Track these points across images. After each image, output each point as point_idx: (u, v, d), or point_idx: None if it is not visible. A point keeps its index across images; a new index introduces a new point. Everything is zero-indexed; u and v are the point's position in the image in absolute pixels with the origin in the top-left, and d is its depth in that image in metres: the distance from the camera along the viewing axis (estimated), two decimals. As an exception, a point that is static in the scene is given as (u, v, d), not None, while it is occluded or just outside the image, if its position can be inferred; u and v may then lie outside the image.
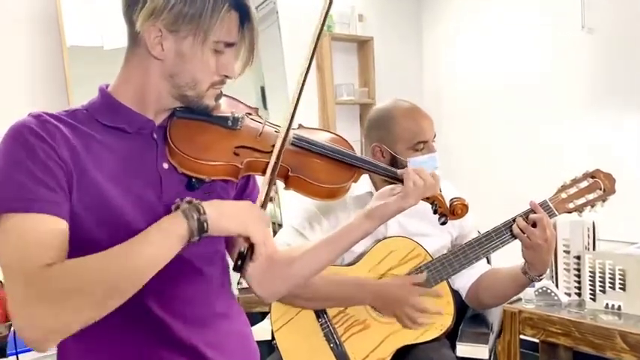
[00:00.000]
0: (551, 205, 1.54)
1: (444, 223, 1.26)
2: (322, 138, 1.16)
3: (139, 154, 1.00)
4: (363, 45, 3.51)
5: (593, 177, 1.56)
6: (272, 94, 2.95)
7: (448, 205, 1.25)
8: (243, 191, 1.15)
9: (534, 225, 1.49)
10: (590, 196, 1.55)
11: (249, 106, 1.16)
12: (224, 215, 0.90)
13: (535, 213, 1.50)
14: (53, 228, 0.86)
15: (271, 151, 1.01)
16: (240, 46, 1.02)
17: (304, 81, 1.01)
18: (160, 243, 0.85)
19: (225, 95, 1.10)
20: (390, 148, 1.63)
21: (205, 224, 0.87)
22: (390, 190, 1.23)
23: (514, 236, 1.52)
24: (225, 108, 1.09)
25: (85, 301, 0.81)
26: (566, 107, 3.06)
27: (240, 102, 1.15)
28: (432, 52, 3.75)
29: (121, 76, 1.02)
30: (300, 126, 1.18)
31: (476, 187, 3.14)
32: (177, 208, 0.89)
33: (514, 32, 3.26)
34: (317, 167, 1.12)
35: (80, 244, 0.89)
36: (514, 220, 1.53)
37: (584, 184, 1.56)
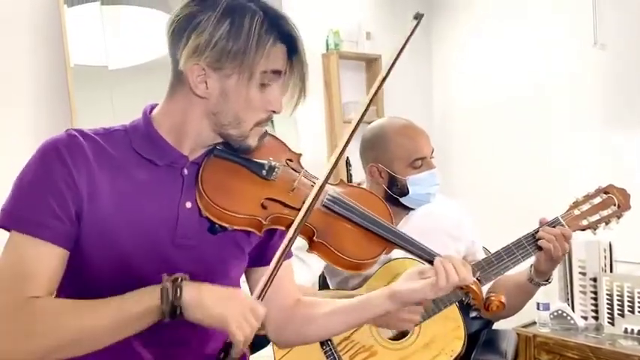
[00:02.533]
0: (563, 222, 1.49)
1: (474, 318, 1.17)
2: (360, 200, 1.05)
3: (162, 188, 0.97)
4: (370, 63, 3.48)
5: (606, 192, 1.52)
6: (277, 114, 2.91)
7: (483, 299, 1.11)
8: (269, 241, 1.09)
9: None
10: (604, 213, 1.50)
11: (293, 152, 1.09)
12: (204, 304, 0.85)
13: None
14: (54, 258, 0.88)
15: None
16: (289, 79, 0.98)
17: (352, 133, 0.96)
18: (130, 312, 0.83)
19: (271, 135, 1.05)
20: (387, 167, 1.60)
21: (178, 309, 0.83)
22: (419, 273, 1.09)
23: (538, 248, 1.48)
24: (265, 151, 1.03)
25: (46, 344, 0.81)
26: (579, 123, 3.00)
27: (284, 144, 1.09)
28: (441, 69, 3.71)
29: (164, 108, 1.00)
30: (341, 182, 1.09)
31: (487, 203, 3.09)
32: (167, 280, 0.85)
33: (525, 49, 3.22)
34: (346, 236, 1.02)
35: (80, 270, 0.91)
36: (536, 233, 1.48)
37: (597, 200, 1.51)
